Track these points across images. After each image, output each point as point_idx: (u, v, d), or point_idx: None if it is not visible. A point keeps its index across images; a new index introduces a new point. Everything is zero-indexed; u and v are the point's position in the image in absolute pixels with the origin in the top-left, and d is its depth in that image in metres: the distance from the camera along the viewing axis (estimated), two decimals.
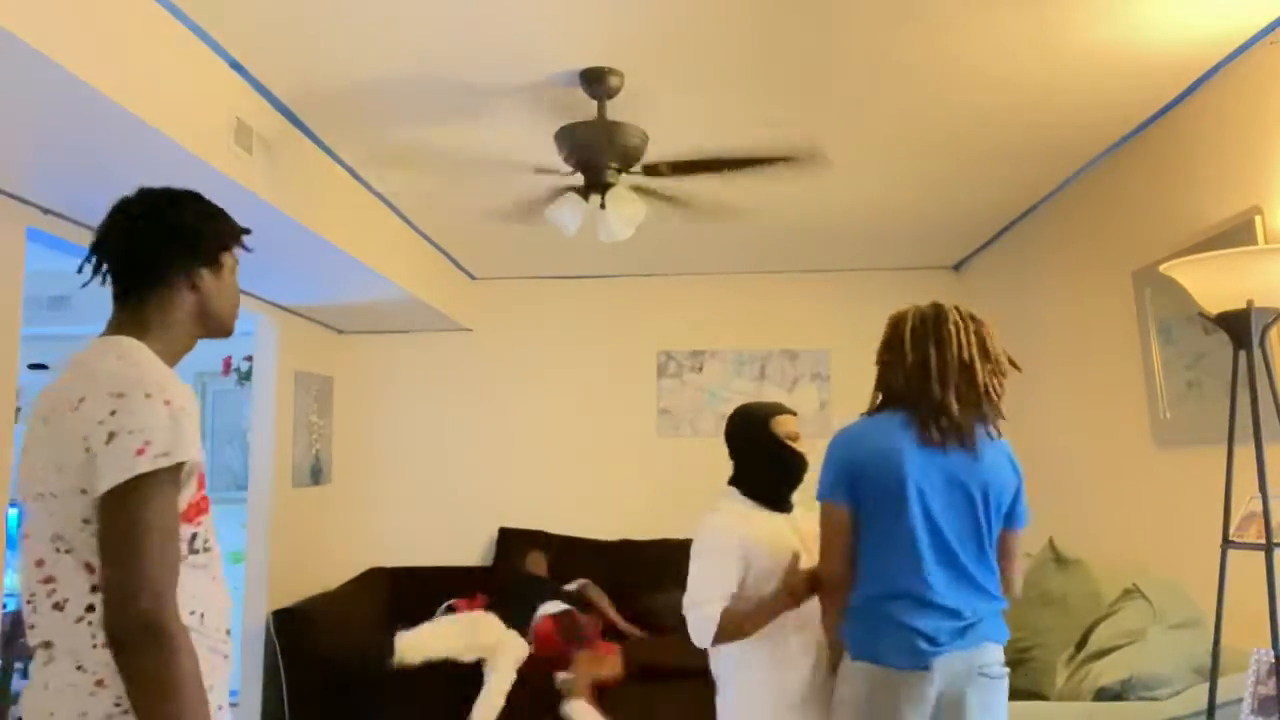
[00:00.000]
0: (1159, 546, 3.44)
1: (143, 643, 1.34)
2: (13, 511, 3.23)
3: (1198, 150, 3.20)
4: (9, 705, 4.30)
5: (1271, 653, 2.26)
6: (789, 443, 2.48)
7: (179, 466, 1.41)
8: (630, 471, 5.88)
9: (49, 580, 1.43)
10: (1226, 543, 2.40)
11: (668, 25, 2.78)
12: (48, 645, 1.43)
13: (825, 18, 2.73)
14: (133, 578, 1.34)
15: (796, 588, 2.26)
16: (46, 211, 3.21)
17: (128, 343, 1.52)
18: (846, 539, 2.16)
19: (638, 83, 3.08)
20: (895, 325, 2.23)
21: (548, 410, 6.03)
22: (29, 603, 1.46)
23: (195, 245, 1.58)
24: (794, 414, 2.56)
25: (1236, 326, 2.40)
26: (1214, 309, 2.45)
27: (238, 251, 1.69)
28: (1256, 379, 2.36)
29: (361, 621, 5.11)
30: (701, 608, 2.29)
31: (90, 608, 1.41)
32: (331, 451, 5.95)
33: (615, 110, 3.12)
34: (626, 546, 5.57)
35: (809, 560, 2.33)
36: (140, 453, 1.37)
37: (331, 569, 5.66)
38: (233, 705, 3.70)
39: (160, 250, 1.55)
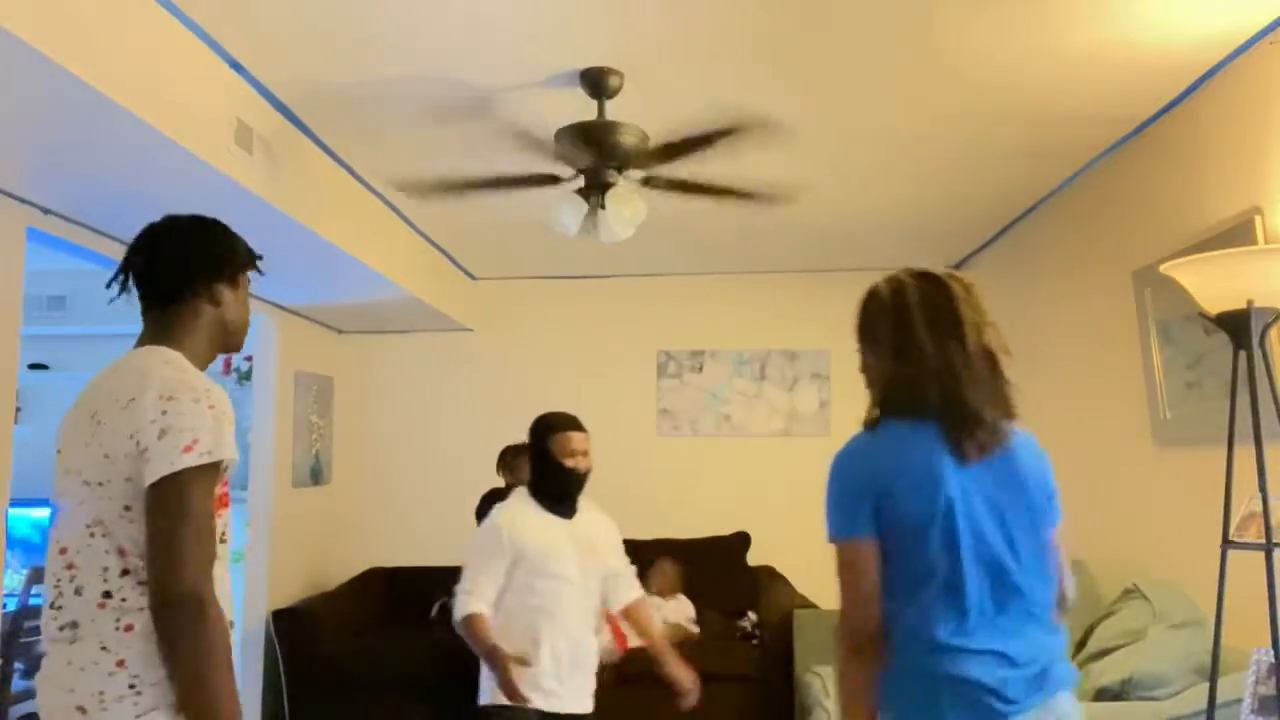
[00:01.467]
0: (1159, 546, 3.44)
1: (185, 612, 1.50)
2: (14, 512, 3.23)
3: (1198, 150, 3.20)
4: (8, 705, 4.30)
5: (1271, 652, 2.25)
6: (562, 460, 2.83)
7: (218, 464, 1.58)
8: (630, 471, 5.87)
9: (71, 566, 1.58)
10: (1226, 543, 2.40)
11: (667, 26, 2.78)
12: (74, 626, 1.56)
13: (825, 18, 2.73)
14: (177, 555, 1.51)
15: (505, 668, 2.56)
16: (46, 211, 3.21)
17: (170, 352, 1.67)
18: (875, 579, 1.69)
19: (637, 83, 3.08)
20: (899, 313, 1.76)
21: (547, 410, 6.02)
22: (55, 587, 1.60)
23: (220, 264, 1.75)
24: (581, 430, 2.90)
25: (1236, 327, 2.40)
26: (1214, 309, 2.45)
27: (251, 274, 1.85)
28: (1256, 379, 2.36)
29: (361, 621, 5.11)
30: (464, 598, 2.68)
31: (108, 594, 1.55)
32: (331, 451, 5.95)
33: (615, 110, 3.12)
34: (625, 546, 5.56)
35: (591, 559, 2.87)
36: (188, 449, 1.54)
37: (331, 569, 5.66)
38: None
39: (189, 267, 1.72)
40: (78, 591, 1.56)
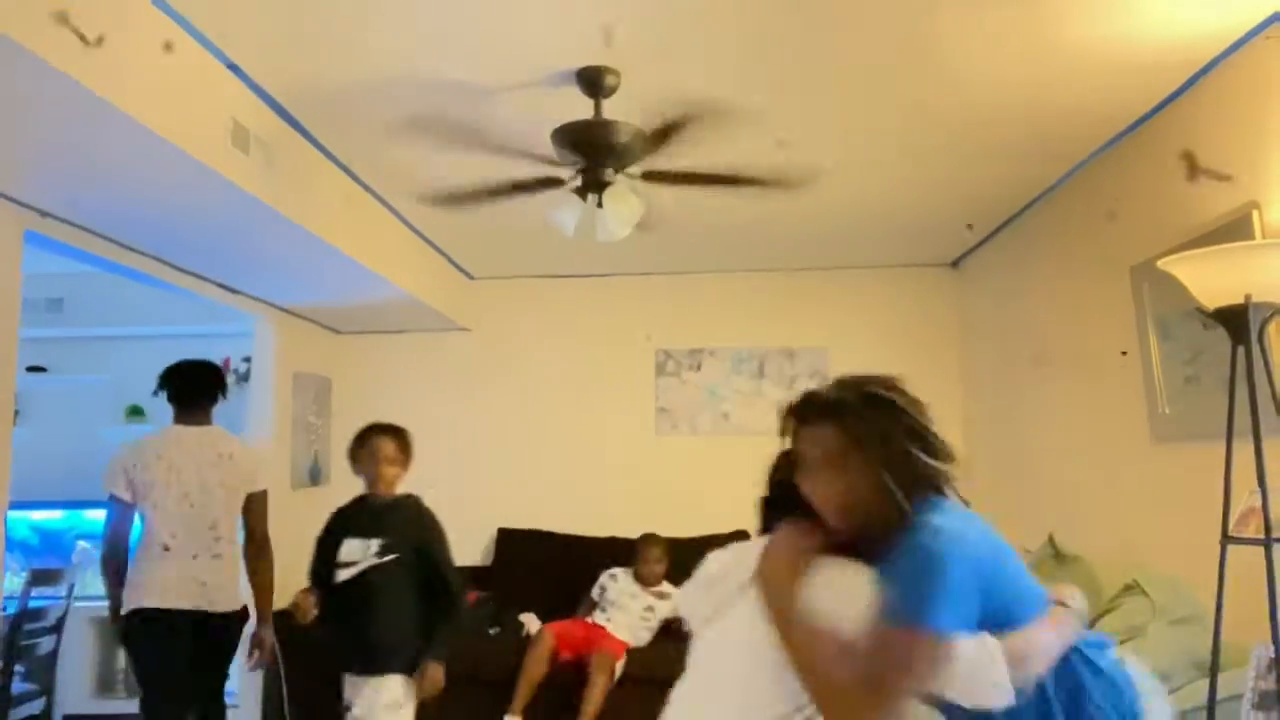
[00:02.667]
0: (1158, 542, 3.44)
1: (268, 546, 3.75)
2: (13, 515, 3.23)
3: (1195, 145, 3.20)
4: (9, 706, 4.30)
5: (1272, 647, 2.26)
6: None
7: None
8: (629, 470, 5.88)
9: (214, 528, 3.57)
10: (1226, 538, 2.40)
11: (664, 25, 2.78)
12: (219, 555, 3.58)
13: (822, 17, 2.73)
14: (265, 518, 3.75)
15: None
16: (44, 214, 3.21)
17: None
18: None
19: (634, 82, 3.08)
20: (916, 410, 1.78)
21: (546, 409, 6.03)
22: (198, 538, 3.56)
23: (225, 389, 3.77)
24: None
25: (1234, 321, 2.40)
26: (1212, 304, 2.45)
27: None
28: (1254, 374, 2.36)
29: None
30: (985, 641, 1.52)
31: (226, 539, 3.62)
32: (330, 452, 5.94)
33: (612, 109, 3.12)
34: (625, 545, 5.56)
35: None
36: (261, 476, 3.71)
37: None
38: (233, 706, 4.02)
39: (218, 392, 3.72)
40: (216, 540, 3.53)
